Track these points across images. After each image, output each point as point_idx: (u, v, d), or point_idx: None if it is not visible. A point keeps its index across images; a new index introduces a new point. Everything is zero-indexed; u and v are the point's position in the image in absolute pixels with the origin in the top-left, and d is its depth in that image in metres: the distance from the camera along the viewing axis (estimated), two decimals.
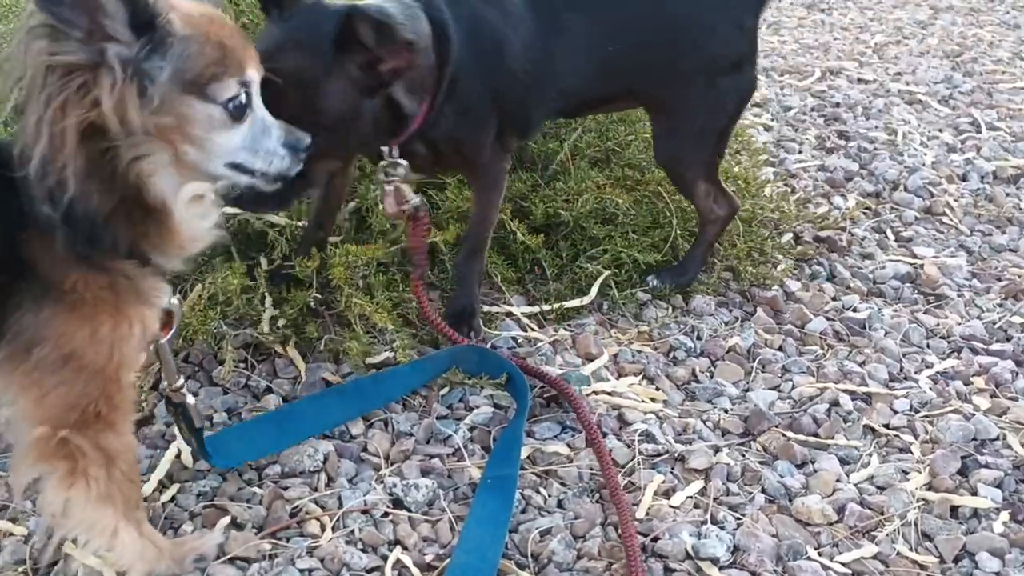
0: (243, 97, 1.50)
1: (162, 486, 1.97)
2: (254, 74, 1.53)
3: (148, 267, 1.51)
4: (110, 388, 1.53)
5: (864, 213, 3.27)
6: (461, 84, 2.23)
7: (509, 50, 2.31)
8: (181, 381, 1.83)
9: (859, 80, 4.51)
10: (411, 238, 2.35)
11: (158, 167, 1.44)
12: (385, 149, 2.26)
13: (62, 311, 1.45)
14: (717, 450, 2.16)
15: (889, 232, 3.17)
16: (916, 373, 2.47)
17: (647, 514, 1.97)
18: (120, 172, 1.40)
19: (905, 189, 3.43)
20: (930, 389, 2.40)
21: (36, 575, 1.76)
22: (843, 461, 2.16)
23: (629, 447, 2.15)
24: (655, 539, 1.90)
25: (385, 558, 1.82)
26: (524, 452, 2.09)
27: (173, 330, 1.73)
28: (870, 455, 2.18)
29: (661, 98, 2.56)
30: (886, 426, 2.27)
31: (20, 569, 1.77)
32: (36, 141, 1.33)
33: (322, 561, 1.80)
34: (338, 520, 1.90)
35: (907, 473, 2.12)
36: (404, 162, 2.26)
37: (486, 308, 2.56)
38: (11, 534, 1.84)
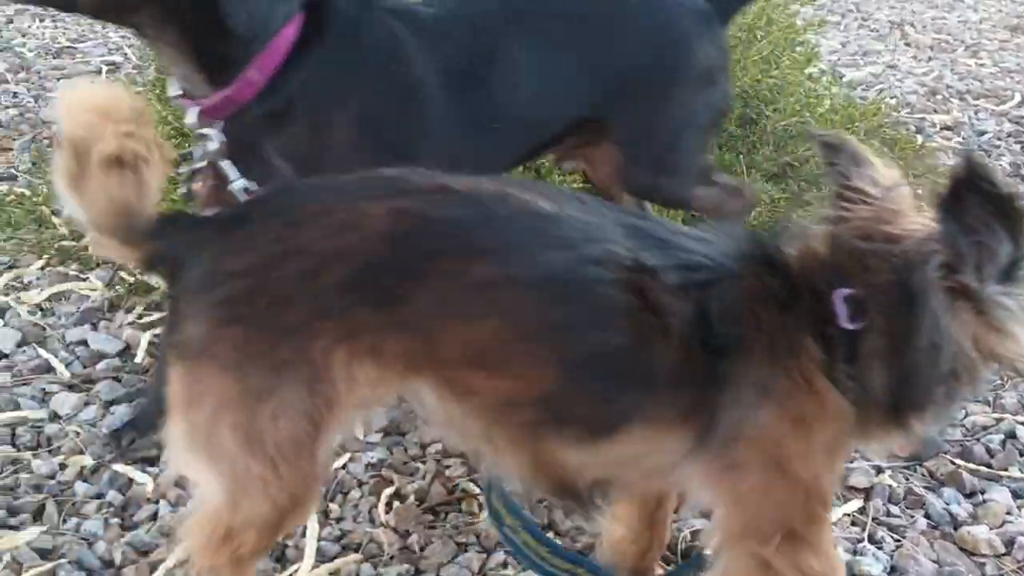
0: None
1: (335, 454, 2.10)
2: None
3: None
4: (813, 504, 1.40)
5: None
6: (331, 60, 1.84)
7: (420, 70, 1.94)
8: None
9: None
10: None
11: None
12: (192, 109, 1.78)
13: (781, 415, 1.35)
14: (880, 471, 2.11)
15: None
16: None
17: None
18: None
19: None
20: None
21: None
22: (1015, 494, 2.07)
23: None
24: None
25: None
26: None
27: None
28: None
29: (617, 123, 2.13)
30: None
31: None
32: (934, 346, 1.30)
33: (478, 537, 1.88)
34: None
35: None
36: (213, 134, 1.78)
37: None
38: None
